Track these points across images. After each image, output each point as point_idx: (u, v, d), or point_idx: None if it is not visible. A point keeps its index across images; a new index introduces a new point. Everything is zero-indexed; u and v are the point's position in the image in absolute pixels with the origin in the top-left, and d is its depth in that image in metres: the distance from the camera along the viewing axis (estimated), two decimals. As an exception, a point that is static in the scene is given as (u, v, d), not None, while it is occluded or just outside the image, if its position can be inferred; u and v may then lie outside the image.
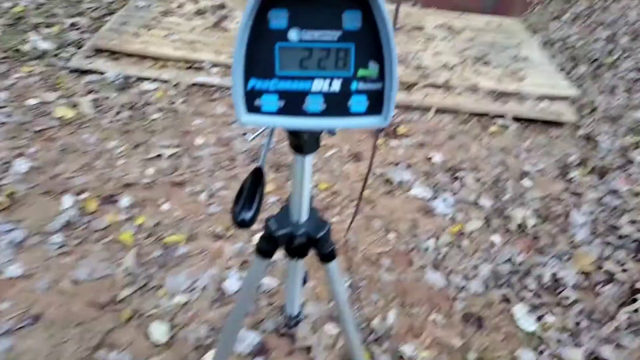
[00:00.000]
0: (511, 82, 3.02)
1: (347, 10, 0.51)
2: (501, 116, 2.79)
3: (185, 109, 2.59)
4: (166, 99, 2.64)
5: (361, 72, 0.54)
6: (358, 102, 0.56)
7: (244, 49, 0.51)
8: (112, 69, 2.77)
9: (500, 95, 2.92)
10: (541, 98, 2.93)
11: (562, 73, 3.25)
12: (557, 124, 2.82)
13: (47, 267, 1.74)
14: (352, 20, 0.52)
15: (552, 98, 2.96)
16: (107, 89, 2.66)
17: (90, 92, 2.64)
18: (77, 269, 1.74)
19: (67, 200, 2.01)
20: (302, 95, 0.55)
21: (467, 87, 2.93)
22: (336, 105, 0.56)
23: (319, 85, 0.55)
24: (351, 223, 1.06)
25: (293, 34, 0.52)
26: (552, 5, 4.37)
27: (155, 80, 2.76)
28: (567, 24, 4.05)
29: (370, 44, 0.53)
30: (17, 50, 2.89)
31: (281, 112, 0.56)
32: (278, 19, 0.51)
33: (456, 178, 2.35)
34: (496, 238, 2.07)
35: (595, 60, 3.52)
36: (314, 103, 0.56)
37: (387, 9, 0.50)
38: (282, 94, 0.55)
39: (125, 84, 2.72)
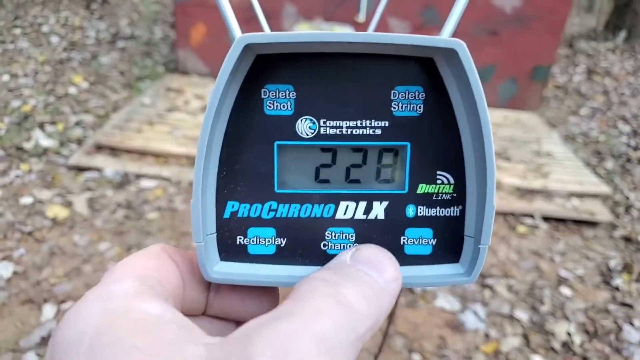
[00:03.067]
0: (536, 179, 2.83)
1: (400, 86, 0.30)
2: (529, 215, 2.56)
3: (185, 208, 2.41)
4: (165, 197, 2.47)
5: (423, 189, 0.32)
6: (417, 240, 0.32)
7: (218, 148, 0.30)
8: (111, 166, 2.63)
9: (525, 193, 2.71)
10: (570, 195, 2.72)
11: (588, 168, 3.06)
12: (590, 223, 2.58)
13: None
14: (407, 102, 0.30)
15: (582, 195, 2.74)
16: (104, 187, 2.51)
17: (86, 189, 2.49)
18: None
19: (48, 311, 1.79)
20: (319, 227, 0.32)
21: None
22: (378, 244, 0.31)
23: (349, 210, 0.32)
24: (378, 354, 0.81)
25: (304, 126, 0.31)
26: (568, 100, 4.30)
27: (155, 177, 2.61)
28: (586, 118, 3.94)
29: (439, 141, 0.31)
30: (20, 148, 2.80)
31: (282, 257, 0.32)
32: (278, 100, 0.30)
33: (486, 286, 2.07)
34: (538, 359, 1.76)
35: (622, 155, 3.35)
36: (338, 241, 0.32)
37: (478, 78, 0.28)
38: (283, 227, 0.32)
39: (124, 181, 2.57)
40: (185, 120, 3.15)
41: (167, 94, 3.53)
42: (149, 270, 0.27)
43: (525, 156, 3.09)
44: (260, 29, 0.51)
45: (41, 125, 3.03)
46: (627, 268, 2.26)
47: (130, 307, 0.23)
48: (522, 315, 1.94)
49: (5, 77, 3.60)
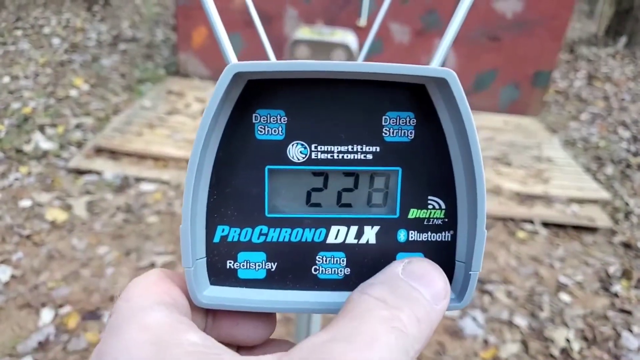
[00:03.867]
0: (536, 184, 2.82)
1: (391, 111, 0.30)
2: (528, 221, 2.55)
3: (184, 212, 2.41)
4: (165, 201, 2.47)
5: (414, 214, 0.32)
6: None
7: (208, 172, 0.30)
8: (111, 169, 2.63)
9: (525, 198, 2.71)
10: (570, 201, 2.72)
11: (588, 174, 3.06)
12: (590, 229, 2.57)
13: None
14: (398, 128, 0.30)
15: (581, 201, 2.74)
16: (104, 190, 2.51)
17: (86, 193, 2.49)
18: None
19: (46, 315, 1.79)
20: (310, 252, 0.32)
21: (490, 189, 2.73)
22: (369, 269, 0.31)
23: (340, 235, 0.32)
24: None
25: (295, 151, 0.30)
26: (569, 105, 4.30)
27: (154, 180, 2.61)
28: (587, 124, 3.94)
29: (430, 167, 0.31)
30: (19, 151, 2.80)
31: (272, 281, 0.32)
32: (269, 125, 0.30)
33: (485, 292, 2.07)
34: (537, 366, 1.76)
35: (622, 161, 3.34)
36: (329, 265, 0.32)
37: (468, 105, 0.28)
38: (274, 251, 0.32)
39: (123, 184, 2.57)
40: (185, 123, 3.15)
41: (167, 97, 3.53)
42: (164, 295, 0.27)
43: (526, 161, 3.09)
44: (258, 36, 0.51)
45: (41, 128, 3.03)
46: (626, 274, 2.25)
47: (177, 338, 0.23)
48: (521, 321, 1.94)
49: (6, 79, 3.60)
